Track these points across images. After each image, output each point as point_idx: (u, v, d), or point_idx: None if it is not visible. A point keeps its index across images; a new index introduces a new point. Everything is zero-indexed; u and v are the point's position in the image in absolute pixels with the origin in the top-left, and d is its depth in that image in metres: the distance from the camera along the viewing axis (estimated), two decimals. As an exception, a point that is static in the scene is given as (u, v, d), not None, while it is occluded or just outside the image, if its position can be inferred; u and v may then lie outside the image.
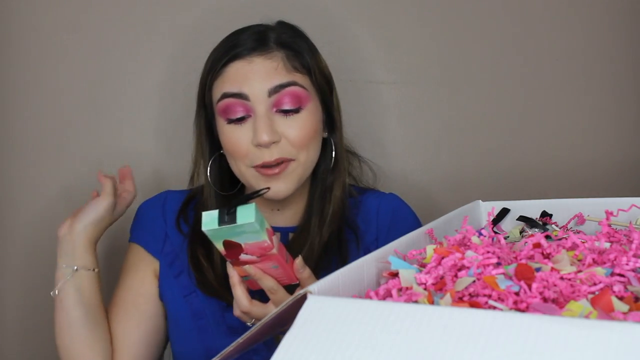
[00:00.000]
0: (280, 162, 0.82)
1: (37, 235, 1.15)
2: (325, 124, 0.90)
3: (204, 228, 0.66)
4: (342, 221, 0.91)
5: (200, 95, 0.89)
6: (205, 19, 1.17)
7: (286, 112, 0.82)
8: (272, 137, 0.80)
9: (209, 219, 0.66)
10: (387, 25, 1.19)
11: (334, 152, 0.91)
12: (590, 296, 0.43)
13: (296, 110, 0.82)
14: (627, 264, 0.47)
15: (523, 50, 1.21)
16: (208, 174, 0.89)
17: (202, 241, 0.87)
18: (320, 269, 0.83)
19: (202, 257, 0.87)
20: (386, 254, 0.55)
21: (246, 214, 0.65)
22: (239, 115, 0.82)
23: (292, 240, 0.89)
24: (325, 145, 0.91)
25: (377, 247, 0.95)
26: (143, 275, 0.91)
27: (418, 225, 0.94)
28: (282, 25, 0.90)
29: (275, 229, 0.91)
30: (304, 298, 0.41)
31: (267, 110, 0.81)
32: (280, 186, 0.83)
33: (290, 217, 0.93)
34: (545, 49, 1.21)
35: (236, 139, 0.82)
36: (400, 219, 0.94)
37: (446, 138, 1.21)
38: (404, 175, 1.20)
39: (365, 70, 1.18)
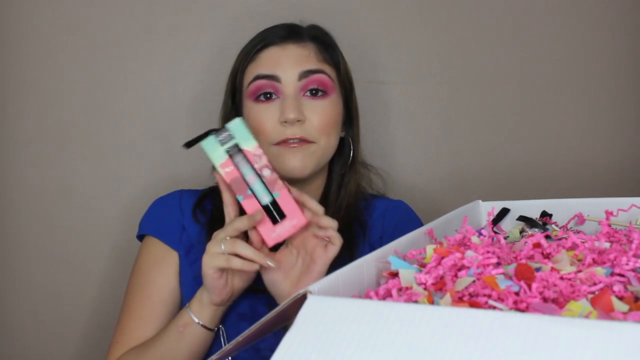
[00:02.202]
0: (302, 140, 0.86)
1: (37, 235, 1.15)
2: (345, 121, 0.95)
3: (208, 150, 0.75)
4: (353, 217, 0.94)
5: (231, 82, 0.93)
6: (204, 19, 1.17)
7: (313, 95, 0.88)
8: (298, 115, 0.85)
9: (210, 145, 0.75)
10: (387, 25, 1.19)
11: (352, 149, 0.95)
12: (590, 296, 0.43)
13: (323, 94, 0.88)
14: (627, 264, 0.47)
15: (523, 50, 1.21)
16: None
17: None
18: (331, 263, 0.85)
19: None
20: (386, 254, 0.55)
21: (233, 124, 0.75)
22: (268, 91, 0.87)
23: None
24: (342, 143, 0.95)
25: (380, 246, 0.97)
26: (167, 271, 0.89)
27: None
28: (314, 26, 0.95)
29: None
30: (304, 298, 0.41)
31: (296, 92, 0.87)
32: (296, 163, 0.86)
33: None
34: (545, 49, 1.21)
35: (263, 117, 0.87)
36: (406, 221, 0.96)
37: (446, 138, 1.21)
38: (404, 175, 1.20)
39: (366, 70, 1.18)
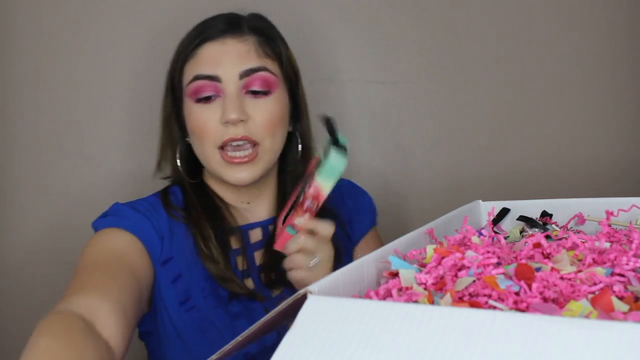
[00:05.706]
0: (246, 143, 0.82)
1: (38, 236, 1.15)
2: (291, 116, 0.90)
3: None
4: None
5: (170, 79, 0.88)
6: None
7: (255, 94, 0.83)
8: (240, 115, 0.81)
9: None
10: (387, 25, 1.19)
11: (300, 143, 0.91)
12: (590, 296, 0.43)
13: (265, 93, 0.84)
14: (627, 264, 0.47)
15: (523, 50, 1.21)
16: (178, 158, 0.88)
17: (200, 232, 0.84)
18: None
19: (208, 248, 0.83)
20: (386, 254, 0.55)
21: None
22: (208, 94, 0.82)
23: (273, 233, 0.87)
24: (290, 138, 0.91)
25: (352, 229, 0.97)
26: (137, 251, 0.78)
27: (373, 204, 1.01)
28: (254, 15, 0.90)
29: (250, 225, 0.90)
30: (304, 298, 0.41)
31: (237, 90, 0.82)
32: (244, 173, 0.83)
33: (262, 211, 0.91)
34: (545, 49, 1.21)
35: (204, 118, 0.82)
36: (361, 201, 0.99)
37: (446, 138, 1.21)
38: (404, 175, 1.20)
39: (366, 70, 1.18)
